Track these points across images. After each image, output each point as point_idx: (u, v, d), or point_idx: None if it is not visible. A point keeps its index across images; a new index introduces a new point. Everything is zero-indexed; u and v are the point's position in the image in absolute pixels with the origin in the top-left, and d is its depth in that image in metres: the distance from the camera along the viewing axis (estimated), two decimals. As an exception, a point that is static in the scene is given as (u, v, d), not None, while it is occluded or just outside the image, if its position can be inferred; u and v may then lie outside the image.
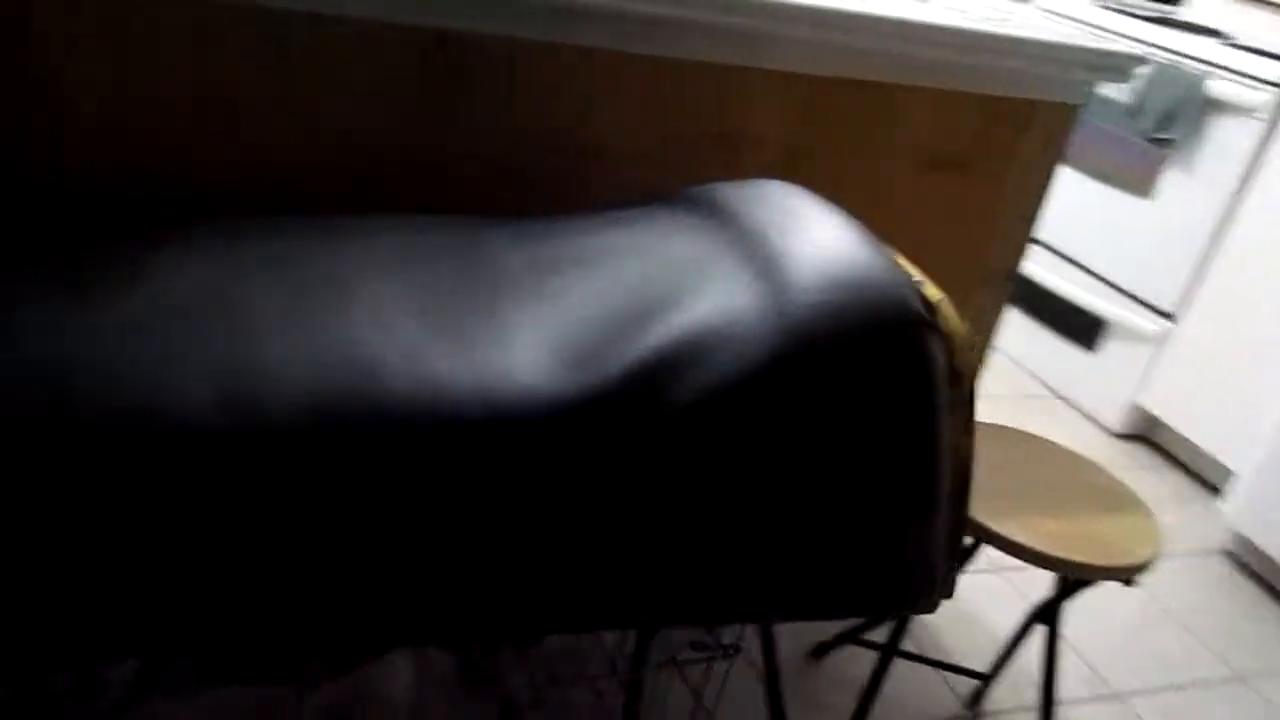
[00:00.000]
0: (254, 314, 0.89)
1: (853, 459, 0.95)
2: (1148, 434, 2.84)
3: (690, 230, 1.07)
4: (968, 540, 1.42)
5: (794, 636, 1.83)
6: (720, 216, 1.08)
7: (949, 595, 1.10)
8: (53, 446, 0.76)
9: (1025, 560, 1.30)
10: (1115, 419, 2.80)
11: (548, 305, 0.96)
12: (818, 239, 1.02)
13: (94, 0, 1.11)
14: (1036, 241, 3.08)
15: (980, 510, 1.35)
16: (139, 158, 1.21)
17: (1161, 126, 2.62)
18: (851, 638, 1.74)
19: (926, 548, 1.02)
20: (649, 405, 0.88)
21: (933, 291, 1.02)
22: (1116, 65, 1.59)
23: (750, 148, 1.50)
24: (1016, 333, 3.10)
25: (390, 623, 0.86)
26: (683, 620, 0.95)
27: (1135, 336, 2.73)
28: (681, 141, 1.46)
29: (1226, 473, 2.59)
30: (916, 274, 1.04)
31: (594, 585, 0.90)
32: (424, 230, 1.06)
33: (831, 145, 1.55)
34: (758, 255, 1.00)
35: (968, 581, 1.96)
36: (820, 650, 1.79)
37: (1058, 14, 3.05)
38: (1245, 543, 2.38)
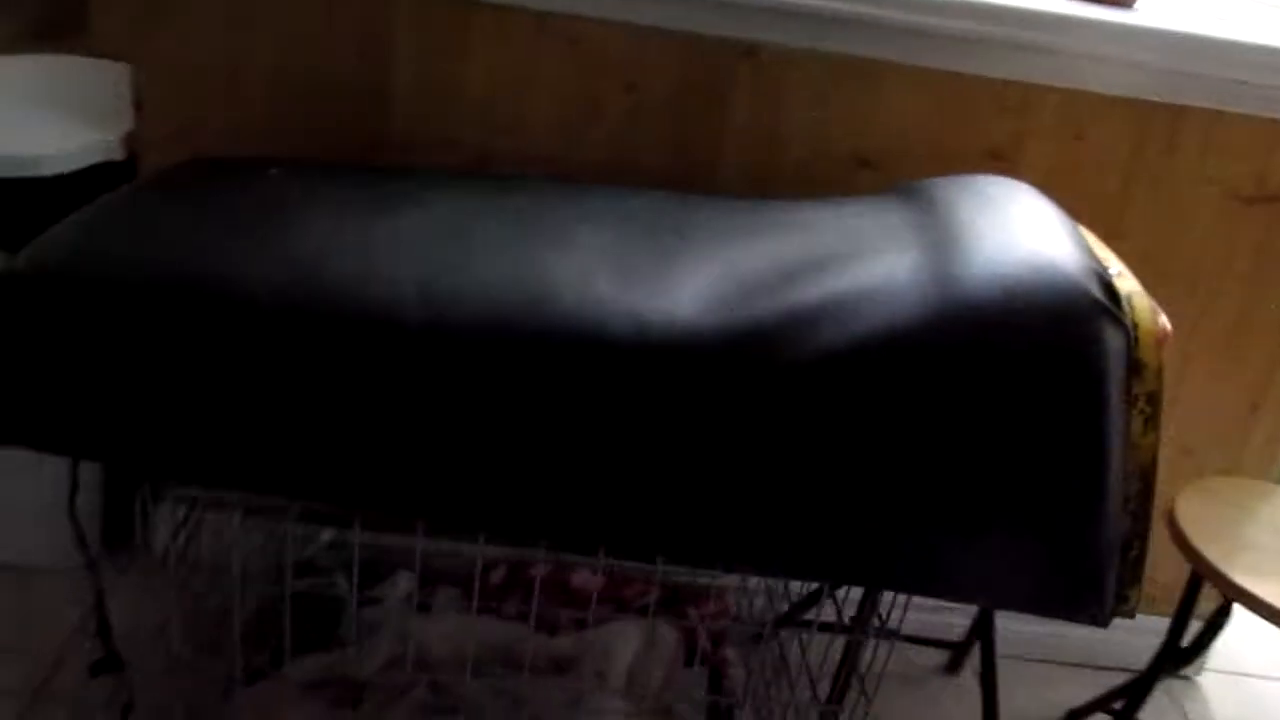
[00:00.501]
0: (474, 243, 1.06)
1: (1003, 437, 0.93)
2: None
3: (887, 211, 1.10)
4: (1222, 599, 1.28)
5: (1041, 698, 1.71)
6: (921, 201, 1.10)
7: (1128, 614, 1.02)
8: (298, 316, 0.96)
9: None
10: None
11: (724, 260, 1.04)
12: (1004, 221, 1.01)
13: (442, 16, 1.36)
14: None
15: (1233, 566, 1.22)
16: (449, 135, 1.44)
17: None
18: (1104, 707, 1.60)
19: (1090, 549, 0.96)
20: (785, 350, 0.93)
21: (1126, 283, 0.97)
22: None
23: (1021, 165, 1.47)
24: None
25: (526, 512, 0.97)
26: (790, 570, 0.97)
27: None
28: (951, 155, 1.47)
29: None
30: (1114, 263, 1.00)
31: (708, 513, 0.96)
32: (645, 196, 1.19)
33: (1109, 169, 1.48)
34: (937, 230, 1.02)
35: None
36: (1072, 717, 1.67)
37: None
38: None
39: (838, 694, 1.14)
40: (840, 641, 1.15)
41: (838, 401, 0.93)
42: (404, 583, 1.64)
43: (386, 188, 1.20)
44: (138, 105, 1.43)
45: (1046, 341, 0.92)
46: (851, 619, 1.10)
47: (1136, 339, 0.95)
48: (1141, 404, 0.96)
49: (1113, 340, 0.93)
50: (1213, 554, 1.24)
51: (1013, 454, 0.93)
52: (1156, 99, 1.44)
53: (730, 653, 1.68)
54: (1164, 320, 1.00)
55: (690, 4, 1.37)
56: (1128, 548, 0.99)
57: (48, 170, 1.37)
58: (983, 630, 1.45)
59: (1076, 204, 1.45)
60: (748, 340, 0.94)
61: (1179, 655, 1.44)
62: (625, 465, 0.95)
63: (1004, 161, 1.47)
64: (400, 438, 0.96)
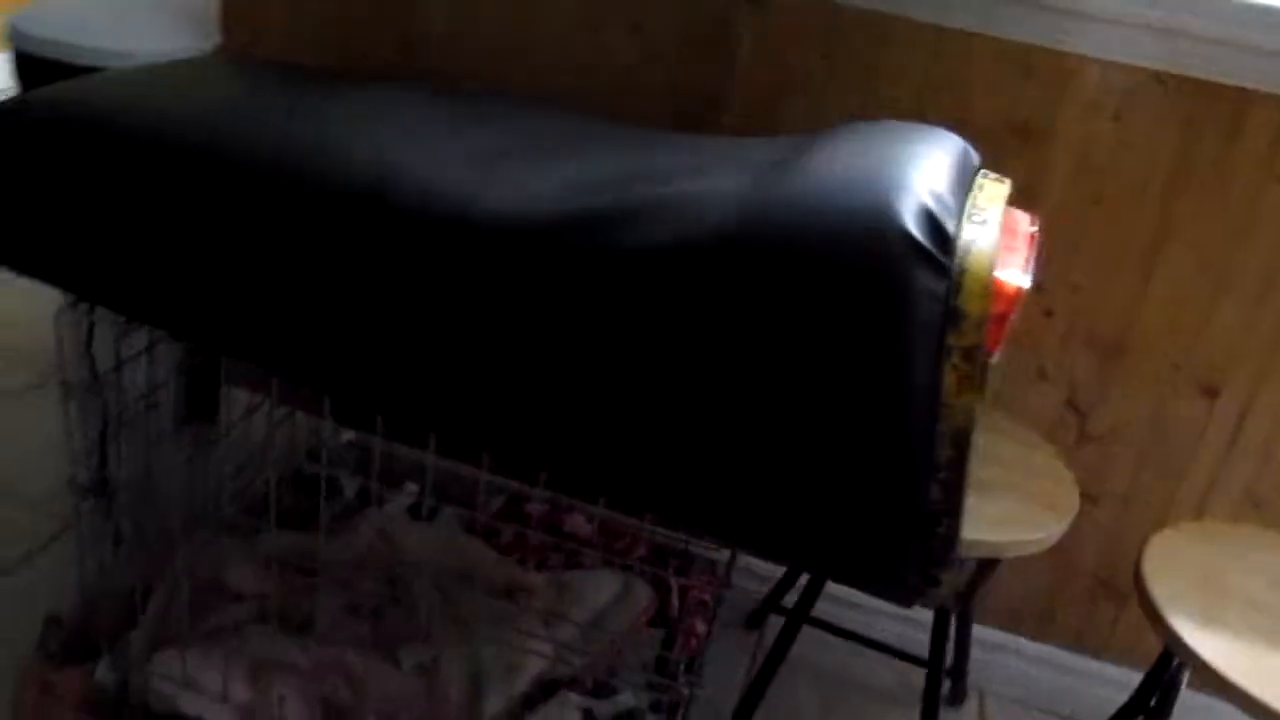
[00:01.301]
0: (364, 130, 1.11)
1: (787, 363, 0.87)
2: None
3: (770, 143, 1.05)
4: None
5: None
6: (813, 136, 1.04)
7: (941, 603, 0.91)
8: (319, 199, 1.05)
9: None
10: None
11: (581, 166, 1.03)
12: (864, 151, 0.94)
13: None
14: None
15: (1207, 644, 1.05)
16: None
17: None
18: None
19: (881, 506, 0.88)
20: (600, 243, 0.91)
21: (979, 231, 0.88)
22: None
23: (1051, 145, 1.34)
24: None
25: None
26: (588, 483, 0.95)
27: None
28: (968, 126, 1.37)
29: None
30: (990, 214, 0.90)
31: (514, 398, 0.96)
32: (561, 117, 1.19)
33: (1154, 156, 1.32)
34: (795, 156, 0.96)
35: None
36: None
37: None
38: None
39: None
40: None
41: (630, 302, 0.90)
42: (409, 493, 1.73)
43: (350, 88, 1.28)
44: (224, 21, 1.60)
45: (840, 265, 0.85)
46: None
47: (959, 285, 0.85)
48: (957, 358, 0.86)
49: (919, 278, 0.84)
50: (1183, 628, 1.06)
51: (797, 384, 0.87)
52: (1218, 78, 1.27)
53: (701, 624, 1.63)
54: (1013, 278, 0.89)
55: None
56: (935, 522, 0.89)
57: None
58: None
59: (1114, 193, 1.30)
60: (557, 232, 0.93)
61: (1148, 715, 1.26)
62: (447, 345, 0.97)
63: (1030, 138, 1.35)
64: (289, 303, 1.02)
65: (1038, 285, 1.42)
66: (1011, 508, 1.19)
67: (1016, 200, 1.37)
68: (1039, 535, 1.16)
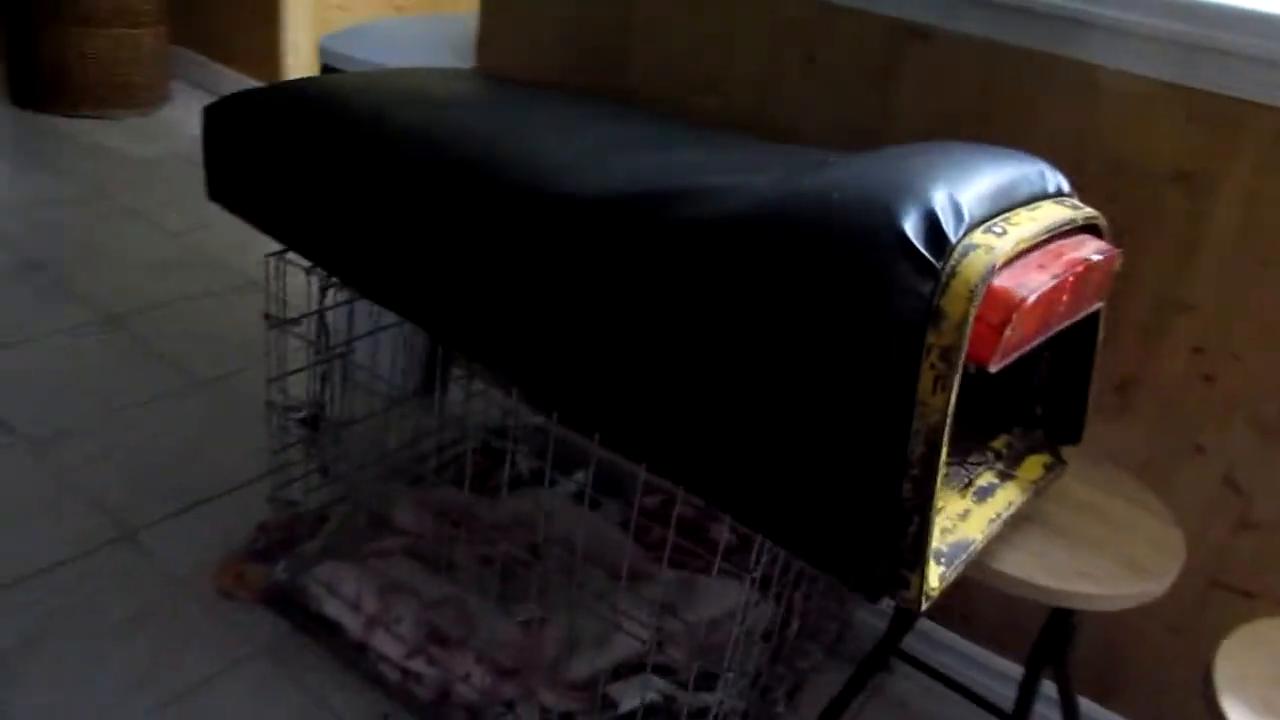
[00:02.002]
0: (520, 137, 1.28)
1: (779, 344, 0.92)
2: None
3: (824, 151, 1.11)
4: None
5: None
6: (866, 148, 1.08)
7: (913, 605, 0.91)
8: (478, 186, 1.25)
9: None
10: None
11: (660, 160, 1.13)
12: (893, 157, 0.98)
13: None
14: None
15: None
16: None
17: None
18: None
19: (851, 492, 0.90)
20: (648, 215, 1.02)
21: (989, 240, 0.89)
22: None
23: (1216, 194, 1.27)
24: None
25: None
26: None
27: None
28: (1125, 168, 1.32)
29: None
30: (1011, 225, 0.91)
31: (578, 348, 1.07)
32: (673, 122, 1.31)
33: None
34: (834, 160, 1.01)
35: None
36: None
37: None
38: None
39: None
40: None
41: (662, 265, 0.99)
42: (576, 480, 1.87)
43: (544, 100, 1.47)
44: (479, 46, 1.86)
45: (829, 252, 0.90)
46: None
47: (945, 286, 0.87)
48: (934, 357, 0.87)
49: (902, 273, 0.87)
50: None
51: (788, 358, 0.92)
52: None
53: (811, 649, 1.64)
54: (1021, 289, 0.89)
55: (867, -18, 1.42)
56: (906, 519, 0.89)
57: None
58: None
59: None
60: (620, 205, 1.05)
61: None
62: (544, 297, 1.10)
63: (1192, 187, 1.28)
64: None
65: (1197, 348, 1.33)
66: (1097, 563, 1.13)
67: (1161, 247, 1.30)
68: (1112, 591, 1.09)
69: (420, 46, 1.99)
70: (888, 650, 1.37)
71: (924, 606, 0.91)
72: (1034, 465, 1.15)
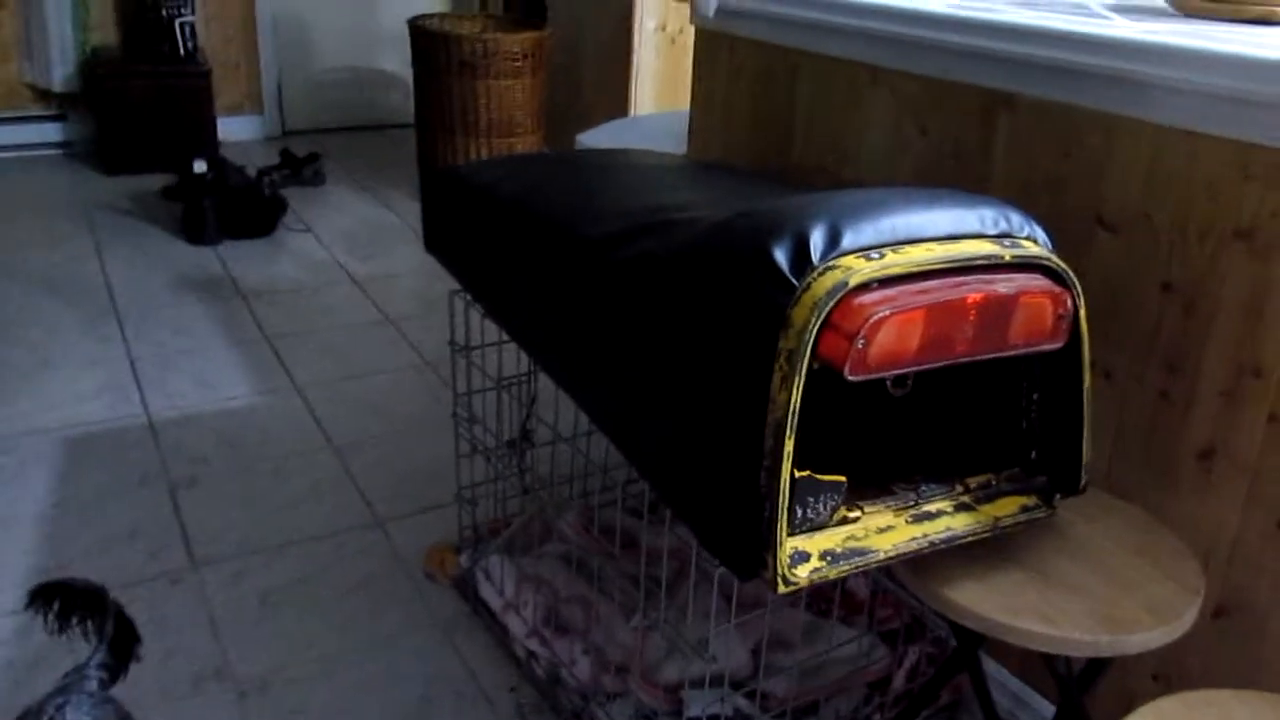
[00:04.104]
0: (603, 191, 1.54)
1: (681, 355, 1.09)
2: None
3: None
4: None
5: None
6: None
7: (770, 584, 1.02)
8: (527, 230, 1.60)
9: None
10: None
11: (655, 198, 1.34)
12: (813, 197, 1.11)
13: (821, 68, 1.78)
14: None
15: None
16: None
17: None
18: None
19: (714, 469, 1.04)
20: (614, 251, 1.24)
21: (853, 261, 1.01)
22: None
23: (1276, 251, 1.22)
24: None
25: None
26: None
27: None
28: (1188, 227, 1.30)
29: None
30: (908, 256, 1.02)
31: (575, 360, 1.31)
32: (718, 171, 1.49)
33: None
34: (785, 196, 1.17)
35: None
36: None
37: None
38: None
39: None
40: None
41: (604, 294, 1.21)
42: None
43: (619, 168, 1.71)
44: (690, 135, 2.15)
45: (716, 275, 1.06)
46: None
47: (798, 299, 0.99)
48: (782, 360, 0.98)
49: (764, 290, 1.01)
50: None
51: (685, 362, 1.09)
52: None
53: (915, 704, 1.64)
54: (871, 303, 0.98)
55: (962, 57, 1.52)
56: (761, 506, 1.01)
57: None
58: None
59: None
60: (595, 246, 1.28)
61: None
62: (563, 318, 1.36)
63: (1254, 247, 1.23)
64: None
65: (1271, 416, 1.25)
66: (1106, 611, 1.12)
67: (1229, 308, 1.25)
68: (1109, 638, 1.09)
69: (658, 137, 2.30)
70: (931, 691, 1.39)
71: (782, 590, 1.01)
72: (1008, 504, 1.17)
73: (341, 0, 4.86)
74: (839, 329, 0.98)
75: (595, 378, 1.27)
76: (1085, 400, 1.15)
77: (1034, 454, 1.20)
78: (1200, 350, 1.30)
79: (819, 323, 0.98)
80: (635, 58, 3.74)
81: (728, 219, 1.12)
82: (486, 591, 1.83)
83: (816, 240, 1.01)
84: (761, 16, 1.86)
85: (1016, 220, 1.12)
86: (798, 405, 0.98)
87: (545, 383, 1.87)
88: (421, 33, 3.70)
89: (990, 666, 1.66)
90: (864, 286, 1.00)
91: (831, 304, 0.98)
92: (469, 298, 1.78)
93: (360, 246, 3.68)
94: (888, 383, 1.16)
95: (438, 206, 1.75)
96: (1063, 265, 1.10)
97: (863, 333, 0.98)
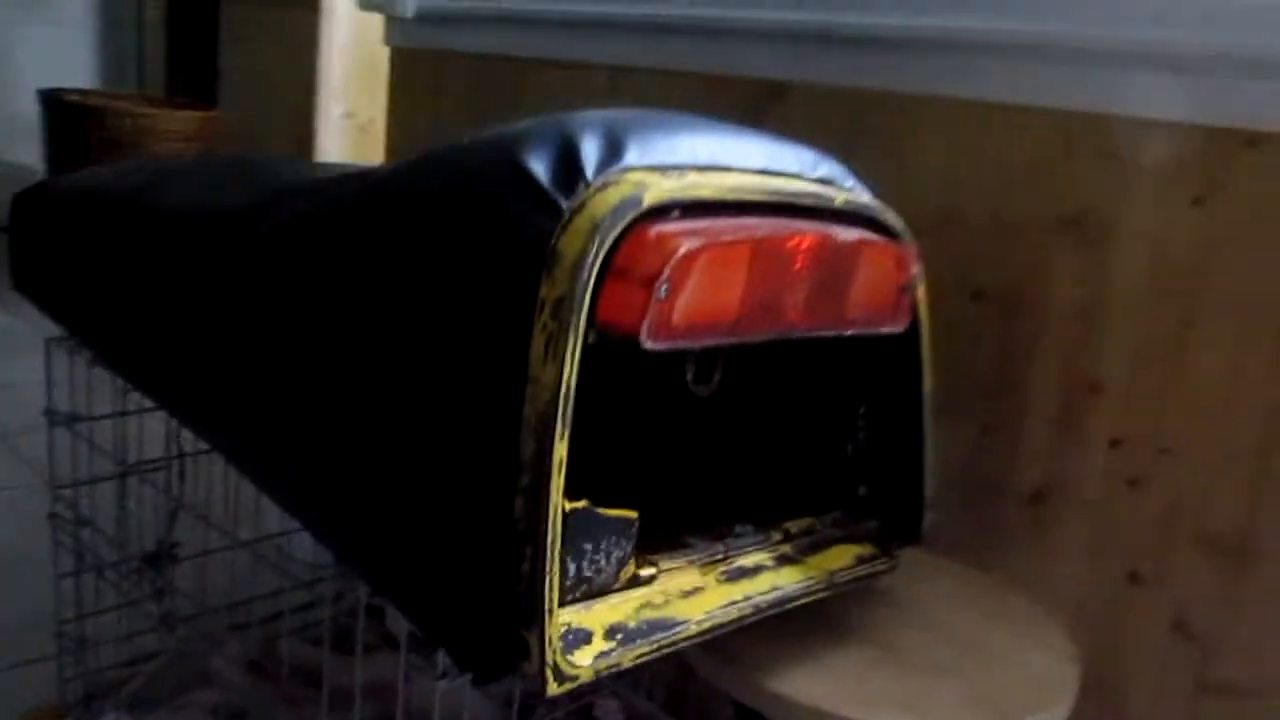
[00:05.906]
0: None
1: (383, 331, 0.71)
2: None
3: None
4: None
5: None
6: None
7: (533, 683, 0.63)
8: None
9: None
10: None
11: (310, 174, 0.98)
12: (567, 114, 0.78)
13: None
14: None
15: None
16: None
17: None
18: None
19: (462, 520, 0.65)
20: (261, 222, 0.85)
21: (646, 176, 0.68)
22: None
23: (1112, 241, 1.02)
24: None
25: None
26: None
27: None
28: (1010, 216, 1.09)
29: None
30: (712, 179, 0.70)
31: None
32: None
33: (1258, 257, 0.94)
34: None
35: None
36: None
37: None
38: None
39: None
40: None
41: (254, 275, 0.82)
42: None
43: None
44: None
45: (414, 213, 0.71)
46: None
47: (567, 224, 0.65)
48: (546, 315, 0.63)
49: (516, 214, 0.66)
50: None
51: (379, 335, 0.70)
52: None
53: None
54: (686, 240, 0.66)
55: (725, 48, 1.28)
56: (519, 553, 0.63)
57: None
58: None
59: (1211, 313, 0.95)
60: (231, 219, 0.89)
61: None
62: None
63: (1085, 235, 1.03)
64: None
65: (1113, 440, 1.03)
66: (982, 691, 0.81)
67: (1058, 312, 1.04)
68: None
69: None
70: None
71: (554, 690, 0.63)
72: (840, 554, 0.86)
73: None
74: (629, 273, 0.65)
75: (248, 404, 0.85)
76: (926, 412, 0.88)
77: (862, 489, 0.91)
78: (1024, 369, 1.07)
79: (599, 257, 0.63)
80: (319, 145, 3.37)
81: (433, 150, 0.76)
82: (101, 763, 1.29)
83: (589, 150, 0.68)
84: (475, 17, 1.56)
85: (838, 170, 0.85)
86: (572, 386, 0.63)
87: (201, 467, 1.39)
88: (59, 106, 3.13)
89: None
90: (662, 212, 0.67)
91: (617, 231, 0.64)
92: (75, 343, 1.30)
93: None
94: (688, 375, 0.82)
95: (30, 230, 1.29)
96: (902, 224, 0.84)
97: (667, 275, 0.64)
